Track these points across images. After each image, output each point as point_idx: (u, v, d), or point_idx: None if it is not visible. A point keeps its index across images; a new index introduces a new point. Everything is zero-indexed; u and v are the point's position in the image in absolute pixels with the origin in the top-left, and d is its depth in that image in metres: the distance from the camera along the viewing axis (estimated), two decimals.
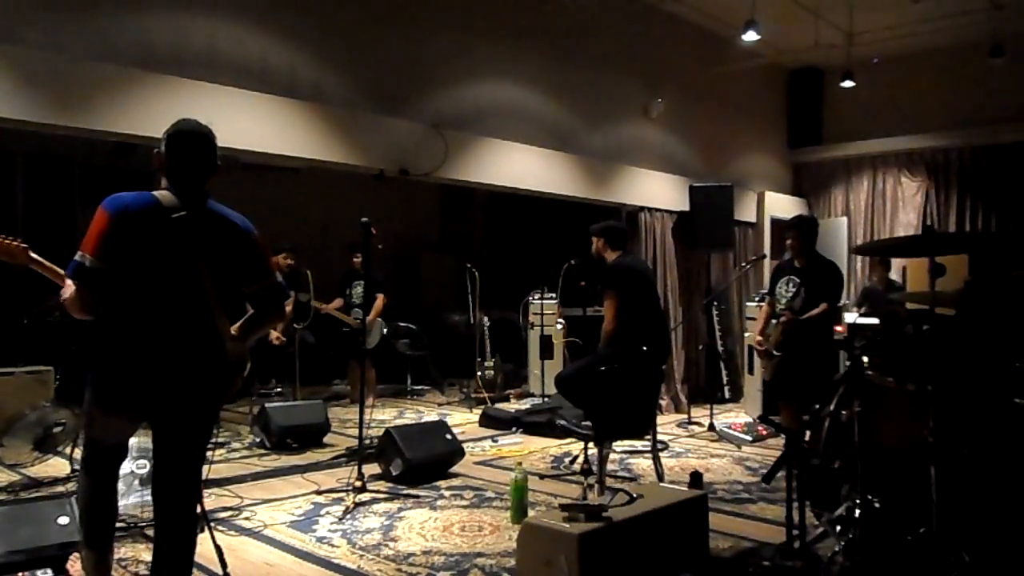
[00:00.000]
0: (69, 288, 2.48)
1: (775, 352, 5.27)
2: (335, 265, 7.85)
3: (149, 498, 3.78)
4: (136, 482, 3.87)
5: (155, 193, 2.53)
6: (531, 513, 4.01)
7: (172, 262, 2.49)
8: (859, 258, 9.64)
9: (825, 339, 5.21)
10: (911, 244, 3.36)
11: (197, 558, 3.38)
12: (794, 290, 5.30)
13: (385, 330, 7.59)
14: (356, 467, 4.52)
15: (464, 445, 5.31)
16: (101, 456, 2.67)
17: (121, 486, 3.83)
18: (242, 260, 2.66)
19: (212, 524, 3.18)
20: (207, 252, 2.55)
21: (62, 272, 2.70)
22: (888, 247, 4.51)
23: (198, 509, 2.82)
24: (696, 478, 4.07)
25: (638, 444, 5.69)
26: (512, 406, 7.59)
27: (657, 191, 8.18)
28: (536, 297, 8.34)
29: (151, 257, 2.47)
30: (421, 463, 4.81)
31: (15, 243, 2.89)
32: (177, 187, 2.57)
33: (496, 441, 6.24)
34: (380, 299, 7.46)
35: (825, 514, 3.28)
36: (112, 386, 2.52)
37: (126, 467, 3.83)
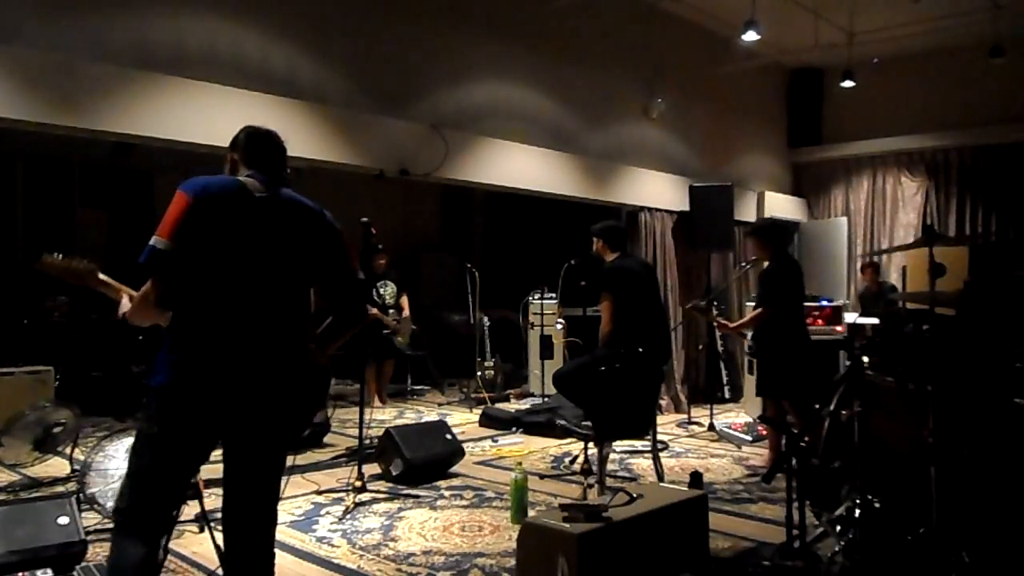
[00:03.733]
0: (125, 302, 2.28)
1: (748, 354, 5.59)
2: None
3: None
4: None
5: (238, 177, 2.35)
6: (531, 513, 4.01)
7: (257, 250, 2.24)
8: (857, 260, 9.65)
9: (779, 340, 5.19)
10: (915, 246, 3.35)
11: (197, 558, 3.40)
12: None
13: (414, 327, 7.88)
14: (356, 467, 4.52)
15: (464, 445, 5.31)
16: (152, 504, 2.20)
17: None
18: (325, 252, 2.40)
19: (212, 524, 3.18)
20: (292, 241, 2.31)
21: (124, 288, 2.46)
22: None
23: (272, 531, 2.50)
24: (696, 478, 4.07)
25: (638, 444, 5.69)
26: (512, 406, 7.59)
27: (657, 191, 8.18)
28: (536, 297, 8.34)
29: (234, 244, 2.21)
30: (421, 463, 4.81)
31: (83, 265, 2.52)
32: (259, 174, 2.38)
33: (496, 441, 6.24)
34: (406, 298, 7.84)
35: (825, 514, 3.28)
36: (191, 398, 2.16)
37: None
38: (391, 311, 7.68)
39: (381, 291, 7.71)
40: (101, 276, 2.51)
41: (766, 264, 5.42)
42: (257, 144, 2.48)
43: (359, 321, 2.52)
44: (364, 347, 7.61)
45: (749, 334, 5.70)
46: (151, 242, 2.14)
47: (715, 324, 5.91)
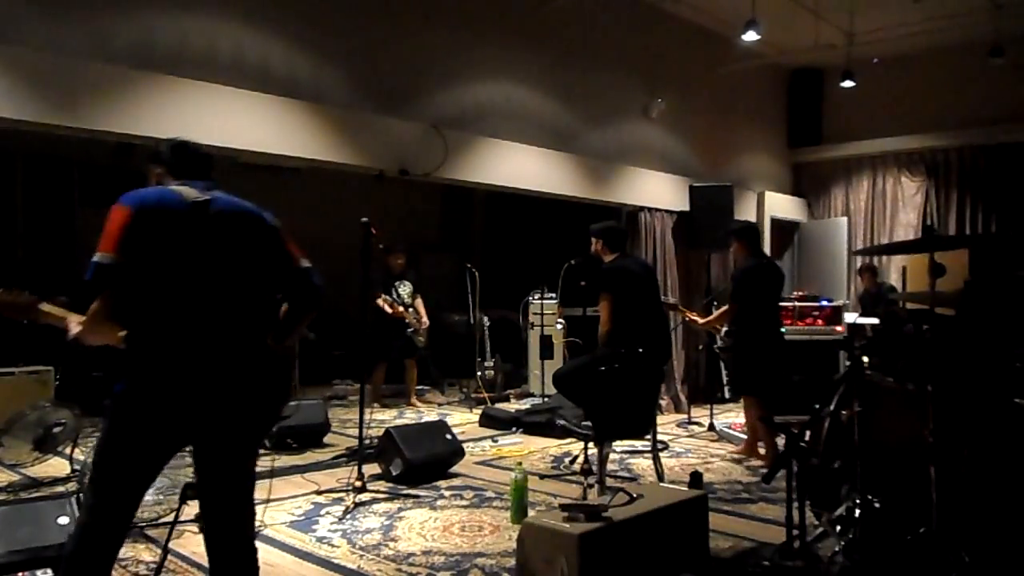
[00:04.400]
0: (74, 327, 2.30)
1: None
2: (335, 265, 7.84)
3: (149, 498, 3.79)
4: None
5: (172, 187, 2.36)
6: (531, 513, 4.01)
7: (199, 255, 2.28)
8: (857, 261, 9.64)
9: (752, 338, 5.42)
10: (911, 247, 3.36)
11: (197, 558, 3.40)
12: None
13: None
14: (356, 467, 4.52)
15: (464, 445, 5.31)
16: (115, 502, 2.25)
17: None
18: (266, 250, 2.45)
19: None
20: (232, 244, 2.35)
21: (70, 315, 2.44)
22: (887, 250, 4.55)
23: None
24: (696, 478, 4.07)
25: (638, 444, 5.69)
26: (512, 406, 7.59)
27: (657, 191, 8.18)
28: (536, 297, 8.34)
29: (177, 251, 2.25)
30: (421, 463, 4.81)
31: (24, 297, 2.52)
32: (191, 182, 2.40)
33: (496, 441, 6.24)
34: (420, 300, 7.89)
35: (825, 514, 3.28)
36: (150, 404, 2.21)
37: None
38: (409, 310, 7.71)
39: (400, 290, 7.74)
40: (43, 307, 2.50)
41: (739, 263, 5.71)
42: (182, 154, 2.50)
43: (312, 308, 2.56)
44: (383, 346, 7.67)
45: (724, 330, 5.81)
46: (95, 258, 2.17)
47: (687, 319, 6.04)
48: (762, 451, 5.54)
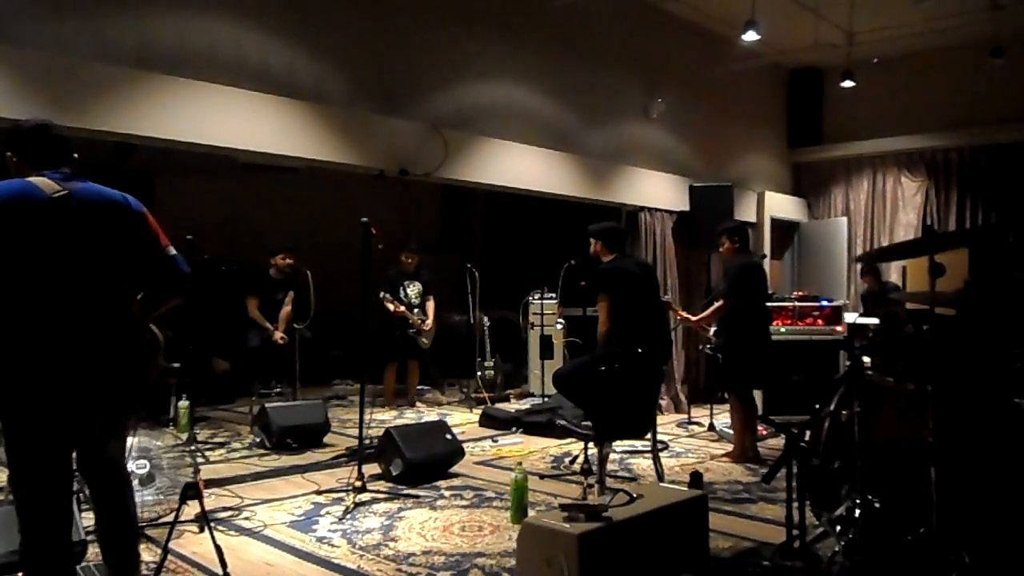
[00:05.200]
0: None
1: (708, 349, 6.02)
2: (335, 265, 7.85)
3: (149, 498, 3.80)
4: (136, 482, 3.86)
5: (29, 179, 2.39)
6: (531, 513, 4.01)
7: (56, 247, 2.35)
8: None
9: (745, 335, 5.50)
10: (911, 247, 3.36)
11: (197, 558, 3.41)
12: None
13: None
14: (356, 467, 4.52)
15: (464, 445, 5.31)
16: (39, 491, 2.42)
17: None
18: (130, 237, 2.51)
19: (212, 524, 3.18)
20: (92, 233, 2.41)
21: None
22: (888, 253, 4.54)
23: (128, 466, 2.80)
24: (696, 478, 4.07)
25: (638, 444, 5.69)
26: (512, 406, 7.59)
27: (657, 191, 8.18)
28: (536, 297, 8.34)
29: (33, 244, 2.32)
30: (421, 463, 4.81)
31: None
32: (52, 173, 2.44)
33: (496, 441, 6.24)
34: (432, 301, 7.82)
35: (825, 514, 3.28)
36: (30, 394, 2.34)
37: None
38: (415, 311, 7.69)
39: (408, 290, 7.72)
40: None
41: (728, 261, 5.79)
42: (36, 142, 2.51)
43: (174, 293, 2.66)
44: (390, 345, 7.66)
45: (712, 330, 5.82)
46: None
47: (679, 317, 6.06)
48: (726, 458, 5.55)
